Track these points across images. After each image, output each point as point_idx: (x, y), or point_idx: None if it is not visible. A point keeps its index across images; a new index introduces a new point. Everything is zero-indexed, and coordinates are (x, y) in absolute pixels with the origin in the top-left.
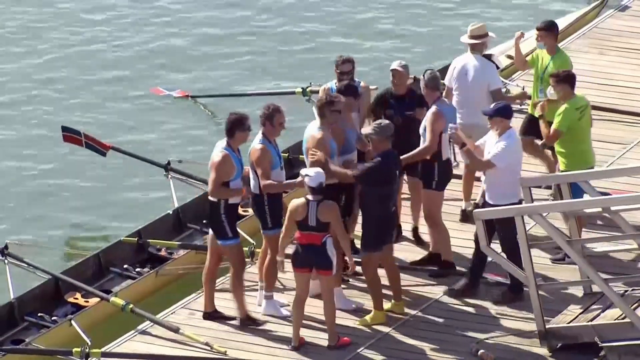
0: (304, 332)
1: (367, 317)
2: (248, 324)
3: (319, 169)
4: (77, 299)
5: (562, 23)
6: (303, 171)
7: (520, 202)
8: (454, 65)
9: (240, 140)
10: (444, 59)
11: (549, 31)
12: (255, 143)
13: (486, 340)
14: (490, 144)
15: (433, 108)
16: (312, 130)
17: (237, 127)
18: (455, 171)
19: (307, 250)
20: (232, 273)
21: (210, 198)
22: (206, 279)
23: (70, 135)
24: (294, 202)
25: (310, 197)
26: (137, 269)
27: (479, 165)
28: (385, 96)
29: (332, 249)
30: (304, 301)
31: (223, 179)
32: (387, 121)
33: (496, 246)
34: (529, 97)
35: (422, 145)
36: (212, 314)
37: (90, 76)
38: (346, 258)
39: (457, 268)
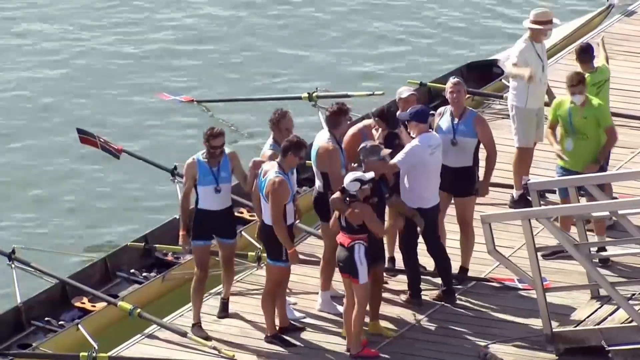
0: (317, 337)
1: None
2: (276, 341)
3: (356, 179)
4: (84, 303)
5: (568, 28)
6: (350, 174)
7: (428, 209)
8: (520, 50)
9: (292, 164)
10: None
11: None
12: (271, 173)
13: (493, 345)
14: None
15: (479, 116)
16: (322, 140)
17: (292, 149)
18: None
19: (339, 251)
20: (267, 291)
21: (266, 222)
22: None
23: (86, 137)
24: (334, 196)
25: (347, 198)
26: (144, 274)
27: (388, 168)
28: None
29: (361, 258)
30: (350, 307)
31: (283, 203)
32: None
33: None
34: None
35: (489, 158)
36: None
37: (95, 81)
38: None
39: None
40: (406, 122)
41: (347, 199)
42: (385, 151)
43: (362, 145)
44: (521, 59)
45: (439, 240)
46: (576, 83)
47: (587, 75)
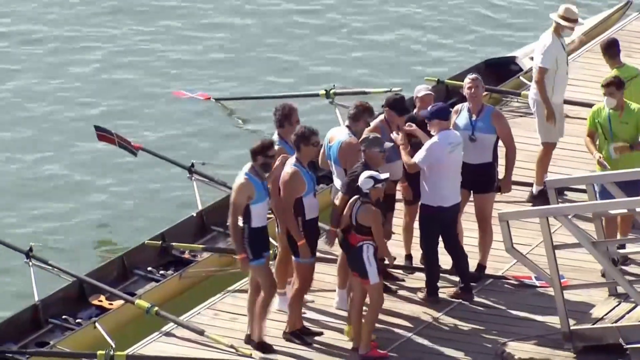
0: (334, 335)
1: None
2: (293, 338)
3: (370, 176)
4: (101, 301)
5: (586, 25)
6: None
7: (449, 208)
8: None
9: (307, 155)
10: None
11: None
12: (287, 165)
13: (511, 342)
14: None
15: (497, 112)
16: (343, 136)
17: (301, 141)
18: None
19: (348, 249)
20: (298, 288)
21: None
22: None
23: (104, 134)
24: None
25: (361, 196)
26: (161, 272)
27: (407, 166)
28: (410, 122)
29: (369, 258)
30: (355, 305)
31: (294, 196)
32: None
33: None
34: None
35: (508, 154)
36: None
37: (112, 79)
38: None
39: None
40: (427, 121)
41: (359, 198)
42: (388, 144)
43: (365, 135)
44: (549, 55)
45: (457, 238)
46: (606, 84)
47: (614, 70)
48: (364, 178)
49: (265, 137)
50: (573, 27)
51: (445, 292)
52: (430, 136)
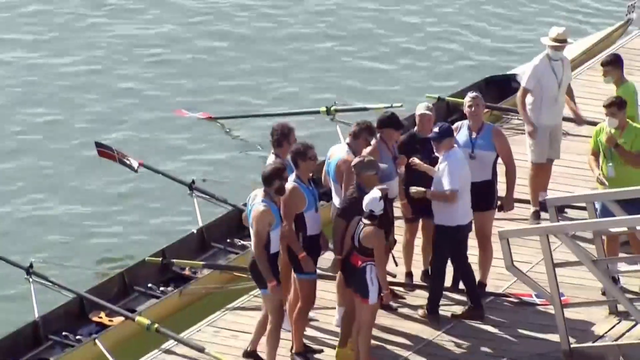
0: (327, 352)
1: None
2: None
3: (376, 195)
4: (101, 318)
5: (587, 43)
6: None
7: (466, 226)
8: (532, 66)
9: (306, 170)
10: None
11: (614, 65)
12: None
13: None
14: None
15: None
16: (342, 153)
17: (298, 157)
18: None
19: (350, 269)
20: (301, 307)
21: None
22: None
23: (104, 150)
24: (355, 218)
25: (364, 218)
26: (161, 288)
27: (443, 198)
28: (411, 141)
29: (372, 278)
30: (351, 315)
31: (294, 211)
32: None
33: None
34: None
35: (508, 172)
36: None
37: (113, 96)
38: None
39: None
40: (436, 142)
41: (367, 219)
42: (383, 166)
43: (358, 159)
44: (534, 75)
45: (466, 257)
46: (608, 104)
47: (620, 89)
48: (376, 200)
49: (265, 155)
50: (563, 47)
51: (445, 310)
52: (431, 160)
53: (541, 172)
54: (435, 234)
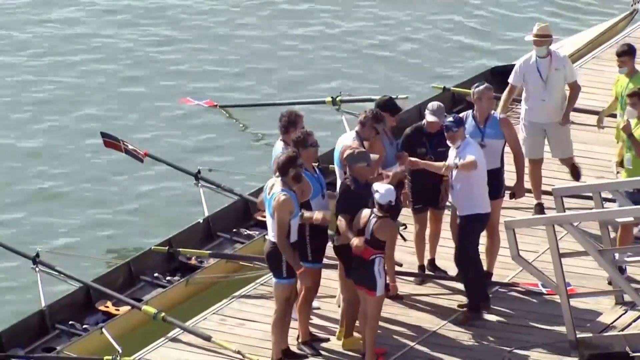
0: (334, 342)
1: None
2: (305, 348)
3: (390, 186)
4: (107, 307)
5: (592, 33)
6: (375, 186)
7: (490, 214)
8: (518, 62)
9: (308, 158)
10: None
11: (630, 55)
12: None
13: (516, 350)
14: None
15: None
16: (347, 140)
17: (299, 146)
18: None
19: (356, 262)
20: (304, 297)
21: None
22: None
23: (111, 141)
24: (365, 211)
25: (375, 210)
26: (168, 278)
27: (472, 166)
28: (417, 134)
29: (380, 271)
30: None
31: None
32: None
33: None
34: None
35: (517, 159)
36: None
37: (118, 86)
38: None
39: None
40: (451, 132)
41: (380, 211)
42: (374, 156)
43: (349, 151)
44: (519, 71)
45: (478, 247)
46: (630, 94)
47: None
48: (384, 191)
49: (271, 144)
50: (547, 42)
51: (452, 299)
52: (437, 154)
53: (536, 168)
54: (465, 225)
